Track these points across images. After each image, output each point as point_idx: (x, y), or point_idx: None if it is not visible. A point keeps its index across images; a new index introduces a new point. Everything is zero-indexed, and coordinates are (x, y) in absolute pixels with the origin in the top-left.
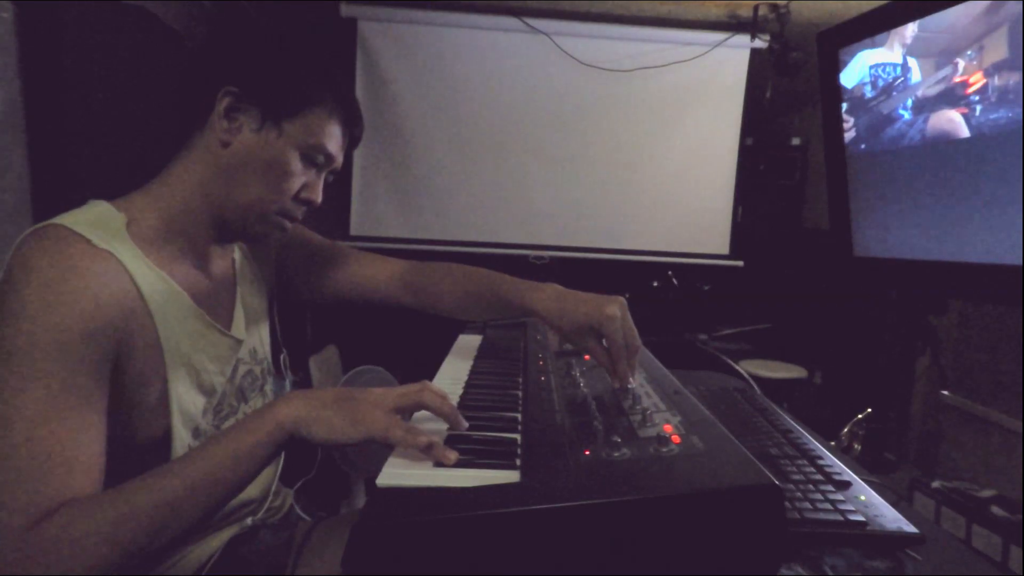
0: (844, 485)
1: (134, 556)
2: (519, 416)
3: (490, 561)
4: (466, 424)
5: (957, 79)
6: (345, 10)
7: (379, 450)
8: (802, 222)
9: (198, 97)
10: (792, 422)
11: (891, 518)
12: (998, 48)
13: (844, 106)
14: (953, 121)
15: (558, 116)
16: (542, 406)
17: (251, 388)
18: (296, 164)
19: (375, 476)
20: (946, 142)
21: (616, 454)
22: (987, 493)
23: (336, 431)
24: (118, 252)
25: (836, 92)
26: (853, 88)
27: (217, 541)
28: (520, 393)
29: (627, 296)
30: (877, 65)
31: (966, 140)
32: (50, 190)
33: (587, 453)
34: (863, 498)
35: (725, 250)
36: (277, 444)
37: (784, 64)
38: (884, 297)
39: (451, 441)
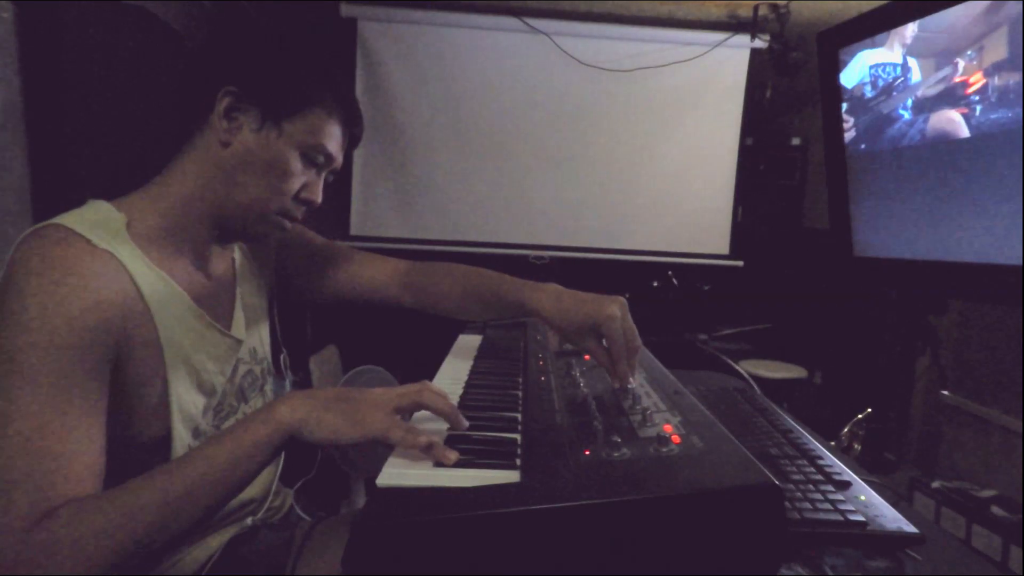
0: (844, 485)
1: (134, 556)
2: (519, 416)
3: (490, 561)
4: (466, 423)
5: (957, 79)
6: (345, 10)
7: (379, 450)
8: (802, 222)
9: (198, 97)
10: (792, 422)
11: (891, 518)
12: (998, 48)
13: (844, 106)
14: (953, 121)
15: (558, 116)
16: (542, 406)
17: (251, 388)
18: (296, 164)
19: (375, 476)
20: (946, 142)
21: (616, 454)
22: (987, 493)
23: (336, 431)
24: (118, 252)
25: (836, 92)
26: (853, 88)
27: (217, 541)
28: (520, 393)
29: (627, 296)
30: (877, 65)
31: (966, 140)
32: (50, 190)
33: (587, 453)
34: (863, 498)
35: (725, 250)
36: (277, 444)
37: (784, 64)
38: (884, 297)
39: (451, 441)
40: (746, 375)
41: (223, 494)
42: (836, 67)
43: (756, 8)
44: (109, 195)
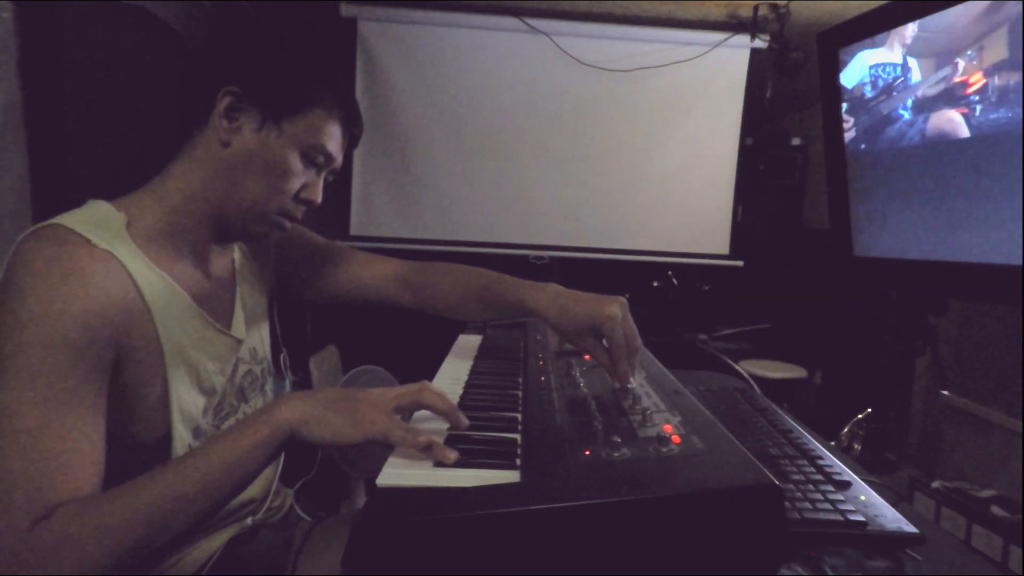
0: (844, 485)
1: (134, 556)
2: (519, 416)
3: (490, 561)
4: (466, 421)
5: (957, 79)
6: (345, 10)
7: (379, 450)
8: (802, 222)
9: (198, 97)
10: (792, 422)
11: (891, 518)
12: (998, 48)
13: (844, 106)
14: (953, 121)
15: (558, 116)
16: (542, 406)
17: (251, 388)
18: (296, 164)
19: (375, 476)
20: (946, 142)
21: (616, 454)
22: (987, 493)
23: (336, 432)
24: (118, 252)
25: (836, 92)
26: (853, 88)
27: (217, 541)
28: (520, 393)
29: (627, 296)
30: (877, 65)
31: (966, 140)
32: (50, 190)
33: (587, 453)
34: (863, 498)
35: (725, 250)
36: (277, 445)
37: (784, 64)
38: (884, 297)
39: (451, 441)
40: (746, 375)
41: (223, 494)
42: (836, 67)
43: (756, 8)
44: (109, 195)
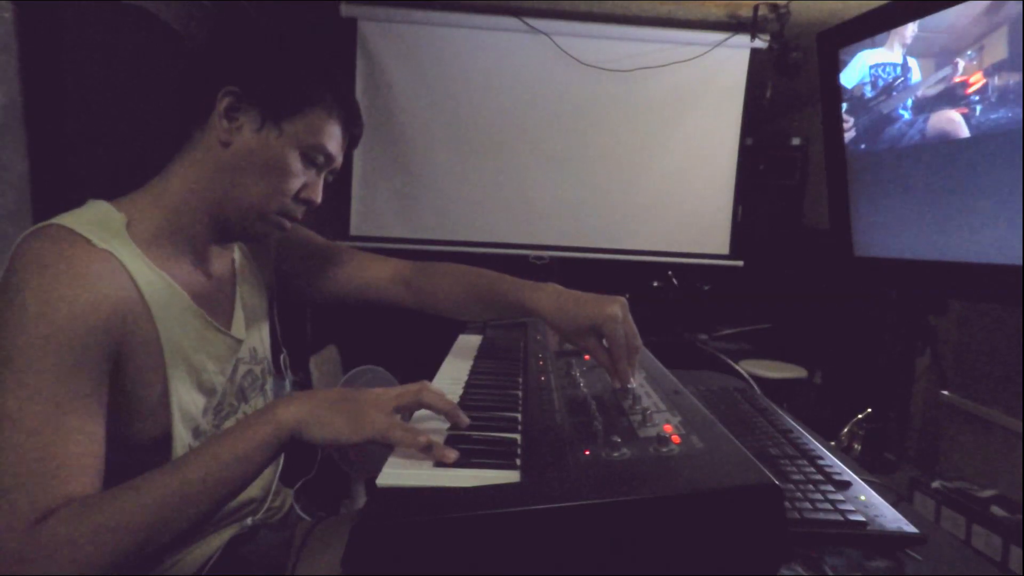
0: (844, 485)
1: (134, 556)
2: (519, 416)
3: (490, 561)
4: (467, 420)
5: (957, 79)
6: (345, 10)
7: (379, 450)
8: (802, 222)
9: (198, 97)
10: (792, 422)
11: (891, 518)
12: (998, 48)
13: (844, 106)
14: (953, 121)
15: (558, 116)
16: (542, 406)
17: (251, 388)
18: (296, 164)
19: (375, 476)
20: (946, 142)
21: (616, 454)
22: (987, 493)
23: (336, 432)
24: (118, 252)
25: (836, 92)
26: (853, 88)
27: (217, 541)
28: (520, 393)
29: (627, 296)
30: (877, 65)
31: (966, 140)
32: (50, 190)
33: (587, 453)
34: (863, 498)
35: (725, 250)
36: (277, 445)
37: (784, 64)
38: (884, 297)
39: (451, 441)
40: (746, 375)
41: (223, 494)
42: (836, 67)
43: (756, 8)
44: (109, 195)
